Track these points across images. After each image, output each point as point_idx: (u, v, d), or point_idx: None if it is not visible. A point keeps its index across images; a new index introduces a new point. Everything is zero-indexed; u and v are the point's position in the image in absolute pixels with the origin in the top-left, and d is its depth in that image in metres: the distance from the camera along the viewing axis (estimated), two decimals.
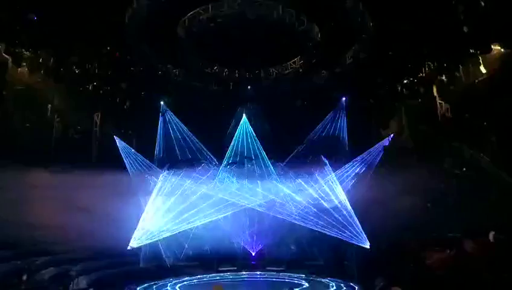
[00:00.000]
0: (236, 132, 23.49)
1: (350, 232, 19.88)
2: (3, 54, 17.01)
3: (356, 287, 17.21)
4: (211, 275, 20.79)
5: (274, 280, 20.28)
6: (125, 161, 22.18)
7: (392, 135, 22.40)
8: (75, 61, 19.91)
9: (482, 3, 15.63)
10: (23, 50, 17.65)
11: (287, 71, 22.52)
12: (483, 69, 17.44)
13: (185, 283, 19.36)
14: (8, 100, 17.87)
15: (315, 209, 21.35)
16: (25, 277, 14.27)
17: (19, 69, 18.06)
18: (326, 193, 21.69)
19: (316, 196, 21.79)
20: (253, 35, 18.89)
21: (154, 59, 21.25)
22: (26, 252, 16.09)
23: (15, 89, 18.14)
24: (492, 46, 16.56)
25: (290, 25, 19.02)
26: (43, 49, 18.35)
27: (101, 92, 21.73)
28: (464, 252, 13.97)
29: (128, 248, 19.53)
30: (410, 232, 17.29)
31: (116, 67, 21.32)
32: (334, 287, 17.81)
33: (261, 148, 23.26)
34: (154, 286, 18.12)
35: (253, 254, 22.67)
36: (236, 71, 22.72)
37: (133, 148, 22.71)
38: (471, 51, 17.47)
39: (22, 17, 16.84)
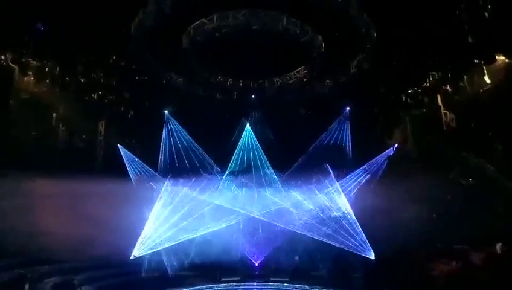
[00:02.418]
0: (240, 141, 23.50)
1: (355, 242, 19.73)
2: (10, 63, 17.15)
3: None
4: (220, 285, 20.64)
5: None
6: (128, 170, 22.22)
7: (396, 145, 22.32)
8: (80, 71, 20.09)
9: (486, 14, 15.70)
10: (30, 59, 17.81)
11: (291, 81, 22.57)
12: (487, 79, 17.43)
13: None
14: (14, 109, 17.98)
15: (319, 219, 21.22)
16: (27, 286, 14.17)
17: (25, 78, 18.22)
18: (330, 203, 21.58)
19: (320, 205, 21.67)
20: (258, 45, 18.99)
21: (158, 68, 21.39)
22: (29, 261, 16.01)
23: (21, 98, 18.28)
24: (496, 57, 16.59)
25: (294, 35, 19.13)
26: (49, 59, 18.51)
27: (105, 101, 21.86)
28: (470, 263, 13.82)
29: (131, 257, 19.42)
30: (415, 242, 17.14)
31: (120, 77, 21.50)
32: None
33: (264, 157, 23.23)
34: None
35: (256, 264, 22.49)
36: (241, 81, 22.79)
37: (137, 157, 22.74)
38: (475, 61, 17.51)
39: (29, 27, 17.04)
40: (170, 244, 20.61)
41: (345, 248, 19.84)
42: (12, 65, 17.35)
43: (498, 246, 13.63)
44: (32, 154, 17.94)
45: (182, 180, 22.28)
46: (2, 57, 16.97)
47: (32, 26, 17.20)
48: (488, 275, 12.46)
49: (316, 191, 22.07)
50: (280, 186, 22.72)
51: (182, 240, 20.75)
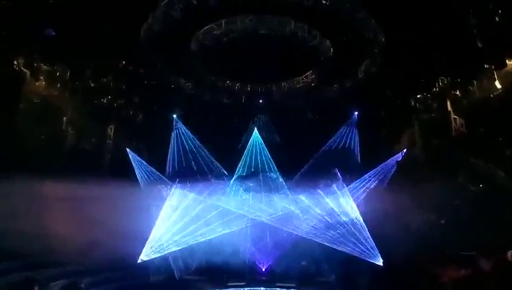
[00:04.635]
0: (248, 145, 23.51)
1: (362, 247, 19.55)
2: (22, 68, 17.43)
3: None
4: (226, 289, 20.62)
5: None
6: (136, 173, 22.32)
7: (405, 150, 22.12)
8: (90, 75, 20.35)
9: (497, 18, 15.58)
10: (41, 64, 18.09)
11: (298, 85, 22.58)
12: (498, 84, 17.23)
13: None
14: (24, 112, 18.22)
15: (327, 224, 21.08)
16: (36, 288, 14.31)
17: (36, 82, 18.49)
18: (338, 208, 21.43)
19: (327, 210, 21.53)
20: (266, 50, 19.07)
21: (167, 73, 21.56)
22: (37, 263, 16.17)
23: (31, 102, 18.52)
24: (507, 61, 16.42)
25: (302, 40, 19.17)
26: (60, 63, 18.79)
27: (114, 105, 22.11)
28: (479, 270, 13.59)
29: (139, 260, 19.48)
30: (423, 248, 16.93)
31: (129, 81, 21.72)
32: None
33: (272, 161, 23.20)
34: None
35: (263, 269, 22.40)
36: (249, 85, 22.87)
37: (145, 161, 22.85)
38: (485, 65, 17.35)
39: (40, 33, 17.33)
40: (177, 248, 20.65)
41: (353, 254, 19.68)
42: (24, 69, 17.62)
43: (509, 253, 13.37)
44: (41, 157, 18.09)
45: (189, 184, 22.31)
46: (15, 61, 17.24)
47: (43, 32, 17.47)
48: (498, 283, 12.25)
49: (324, 196, 21.94)
50: (288, 191, 22.64)
51: (189, 244, 20.79)
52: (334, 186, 22.07)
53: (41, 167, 16.99)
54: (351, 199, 21.66)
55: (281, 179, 23.05)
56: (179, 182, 22.46)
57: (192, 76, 22.16)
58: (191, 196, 21.79)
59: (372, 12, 17.50)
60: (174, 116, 24.14)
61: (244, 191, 23.01)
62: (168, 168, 23.77)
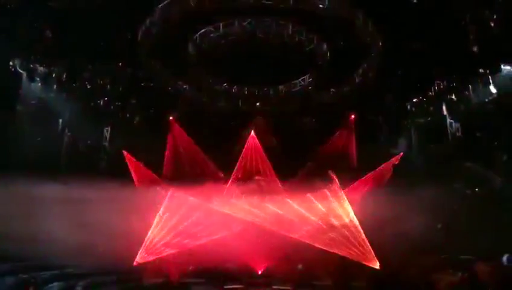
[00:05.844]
0: (244, 148, 23.51)
1: (358, 251, 19.56)
2: (18, 69, 17.37)
3: None
4: None
5: None
6: (133, 176, 22.24)
7: (401, 154, 22.21)
8: (87, 77, 20.29)
9: (492, 24, 15.74)
10: (37, 65, 18.02)
11: (295, 89, 22.64)
12: (493, 89, 17.39)
13: None
14: (20, 114, 18.13)
15: (323, 228, 21.07)
16: None
17: (32, 83, 18.42)
18: (334, 211, 21.41)
19: (323, 214, 21.53)
20: (263, 53, 19.13)
21: (164, 75, 21.54)
22: (32, 266, 16.03)
23: (28, 103, 18.43)
24: (502, 66, 16.59)
25: (299, 43, 19.25)
26: (57, 65, 18.73)
27: (111, 107, 22.04)
28: (476, 275, 13.64)
29: (135, 263, 19.39)
30: (420, 252, 16.99)
31: (126, 83, 21.69)
32: None
33: (268, 165, 23.20)
34: None
35: (260, 272, 22.35)
36: (246, 88, 22.89)
37: (142, 163, 22.77)
38: (480, 70, 17.51)
39: (37, 33, 17.27)
40: (174, 251, 20.58)
41: (349, 257, 19.68)
42: (20, 71, 17.55)
43: (505, 257, 13.46)
44: (37, 159, 18.00)
45: (186, 187, 22.25)
46: (11, 62, 17.17)
47: (40, 33, 17.40)
48: (495, 287, 12.32)
49: (320, 199, 21.95)
50: (284, 194, 22.63)
51: (186, 246, 20.72)
52: (331, 189, 22.08)
53: (37, 168, 16.89)
54: (347, 202, 21.67)
55: (277, 182, 23.04)
56: (175, 185, 22.40)
57: (189, 79, 22.17)
58: (187, 198, 21.72)
59: (370, 16, 17.59)
60: (171, 118, 24.12)
61: (241, 194, 22.97)
62: (165, 170, 23.71)
